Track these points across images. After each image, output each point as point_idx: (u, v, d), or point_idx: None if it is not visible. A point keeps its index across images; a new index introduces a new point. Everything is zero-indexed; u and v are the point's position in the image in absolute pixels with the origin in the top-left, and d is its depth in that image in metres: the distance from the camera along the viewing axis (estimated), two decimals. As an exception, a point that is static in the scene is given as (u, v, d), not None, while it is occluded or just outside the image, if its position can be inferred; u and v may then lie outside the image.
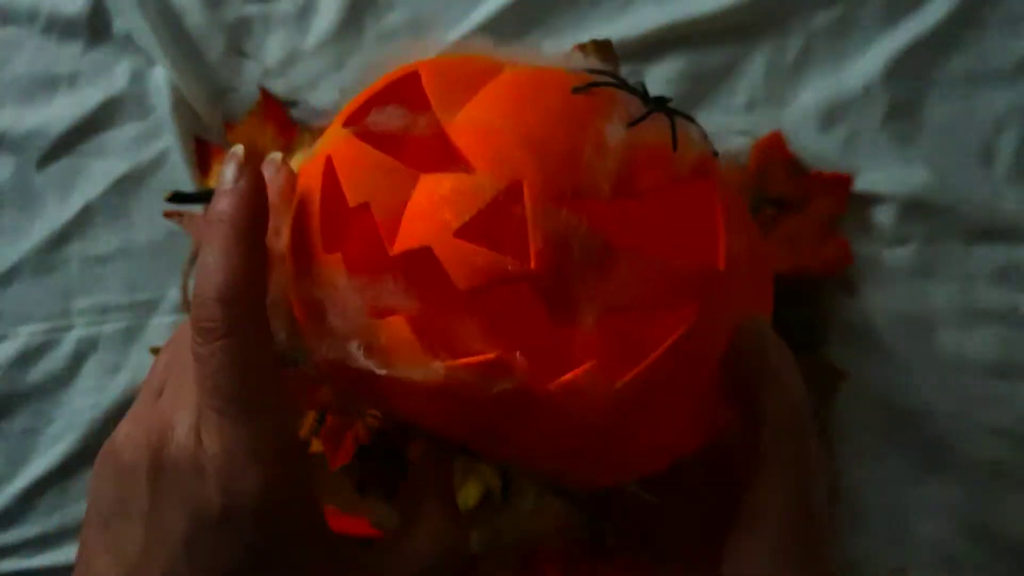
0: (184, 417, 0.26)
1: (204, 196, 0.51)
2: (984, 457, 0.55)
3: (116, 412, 0.58)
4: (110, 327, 0.59)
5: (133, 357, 0.59)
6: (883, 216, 0.56)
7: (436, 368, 0.25)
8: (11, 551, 0.59)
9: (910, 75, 0.57)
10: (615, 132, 0.26)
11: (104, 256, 0.59)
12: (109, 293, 0.59)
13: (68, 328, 0.59)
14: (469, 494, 0.52)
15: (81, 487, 0.58)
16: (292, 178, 0.30)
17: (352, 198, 0.27)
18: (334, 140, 0.28)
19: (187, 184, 0.59)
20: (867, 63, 0.57)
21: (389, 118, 0.27)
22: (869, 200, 0.56)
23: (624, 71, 0.58)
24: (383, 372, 0.25)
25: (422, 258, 0.25)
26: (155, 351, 0.58)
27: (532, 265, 0.24)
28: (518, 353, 0.24)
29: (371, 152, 0.27)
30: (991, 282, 0.56)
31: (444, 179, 0.26)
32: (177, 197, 0.46)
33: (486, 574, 0.54)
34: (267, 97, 0.59)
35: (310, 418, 0.56)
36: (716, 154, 0.30)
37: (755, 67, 0.58)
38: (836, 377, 0.55)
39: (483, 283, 0.24)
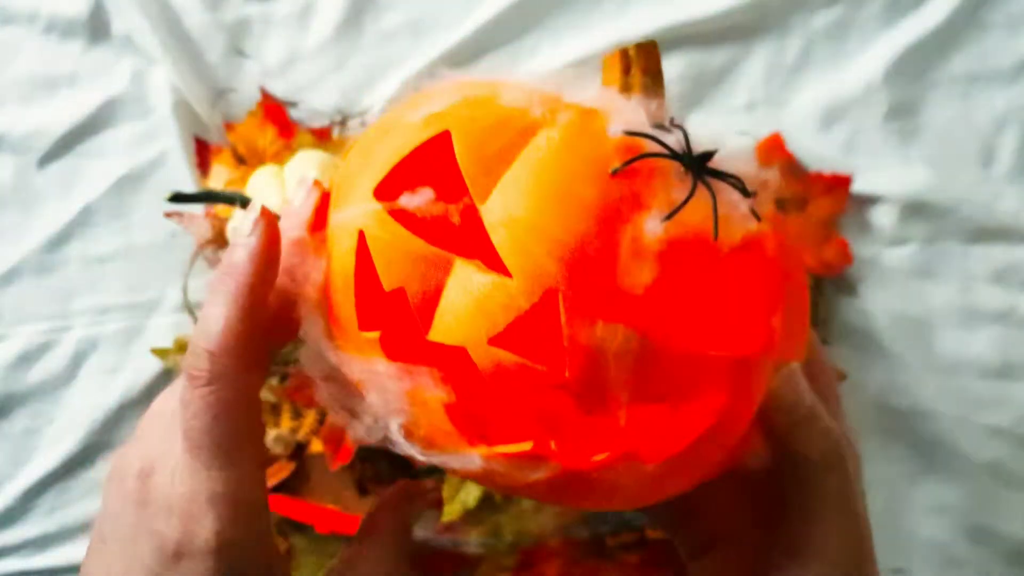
0: (170, 454, 0.28)
1: (204, 196, 0.51)
2: (983, 457, 0.55)
3: (116, 412, 0.58)
4: (110, 327, 0.59)
5: (133, 357, 0.59)
6: (883, 216, 0.56)
7: (473, 457, 0.26)
8: (11, 551, 0.59)
9: (910, 76, 0.57)
10: (653, 228, 0.25)
11: (104, 256, 0.59)
12: (109, 293, 0.59)
13: (68, 328, 0.59)
14: (469, 494, 0.52)
15: (81, 487, 0.58)
16: (326, 199, 0.30)
17: (387, 282, 0.26)
18: (366, 214, 0.27)
19: (187, 184, 0.59)
20: (867, 64, 0.57)
21: (422, 203, 0.26)
22: (869, 200, 0.56)
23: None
24: (423, 459, 0.27)
25: (457, 351, 0.25)
26: (155, 352, 0.58)
27: (567, 376, 0.24)
28: (553, 443, 0.25)
29: (405, 236, 0.26)
30: (990, 282, 0.56)
31: (478, 277, 0.25)
32: (177, 197, 0.45)
33: (486, 574, 0.54)
34: (267, 97, 0.59)
35: (310, 418, 0.56)
36: (778, 203, 0.30)
37: (755, 68, 0.58)
38: (835, 377, 0.55)
39: (518, 389, 0.25)
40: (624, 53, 0.28)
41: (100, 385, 0.58)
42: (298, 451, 0.56)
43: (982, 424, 0.55)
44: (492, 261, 0.25)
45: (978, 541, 0.55)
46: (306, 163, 0.50)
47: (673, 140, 0.26)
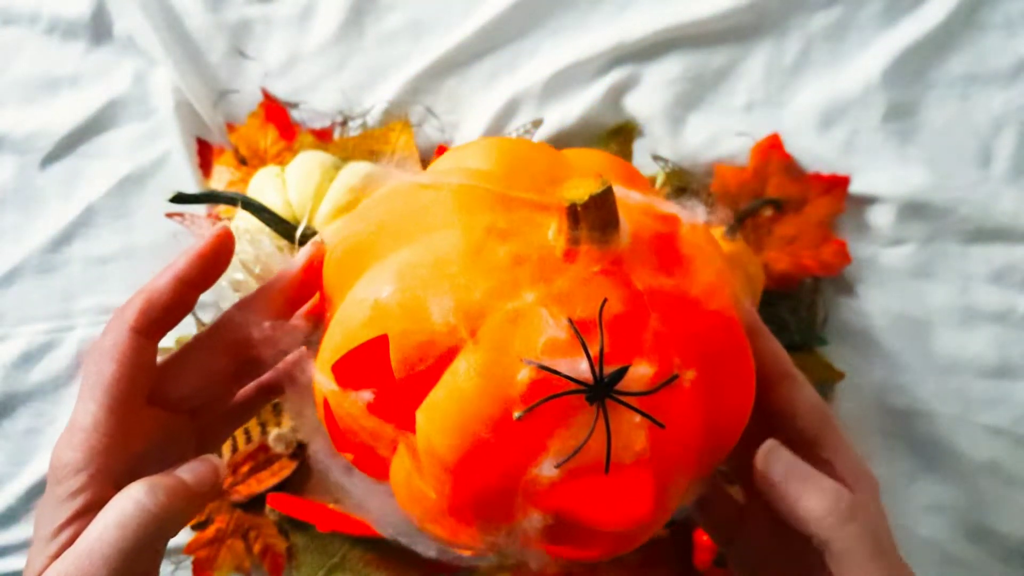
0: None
1: (206, 197, 0.51)
2: (981, 456, 0.55)
3: (118, 412, 0.58)
4: (112, 327, 0.59)
5: (135, 357, 0.59)
6: (881, 217, 0.56)
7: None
8: (13, 550, 0.59)
9: (908, 77, 0.57)
10: (548, 471, 0.27)
11: (106, 256, 0.60)
12: (111, 293, 0.59)
13: (70, 328, 0.59)
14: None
15: (83, 486, 0.59)
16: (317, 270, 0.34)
17: (339, 447, 0.32)
18: (328, 388, 0.31)
19: (189, 185, 0.59)
20: (865, 64, 0.57)
21: (368, 399, 0.30)
22: (867, 201, 0.56)
23: (623, 73, 0.58)
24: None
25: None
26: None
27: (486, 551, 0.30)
28: None
29: (357, 415, 0.30)
30: (988, 282, 0.56)
31: (408, 466, 0.30)
32: (179, 198, 0.46)
33: (487, 574, 0.54)
34: (268, 98, 0.60)
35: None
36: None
37: (754, 69, 0.58)
38: (834, 377, 0.55)
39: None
40: (572, 209, 0.28)
41: (102, 385, 0.59)
42: (299, 450, 0.56)
43: (980, 424, 0.55)
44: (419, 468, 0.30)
45: (976, 540, 0.55)
46: (307, 164, 0.50)
47: (595, 349, 0.27)
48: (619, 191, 0.30)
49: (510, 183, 0.30)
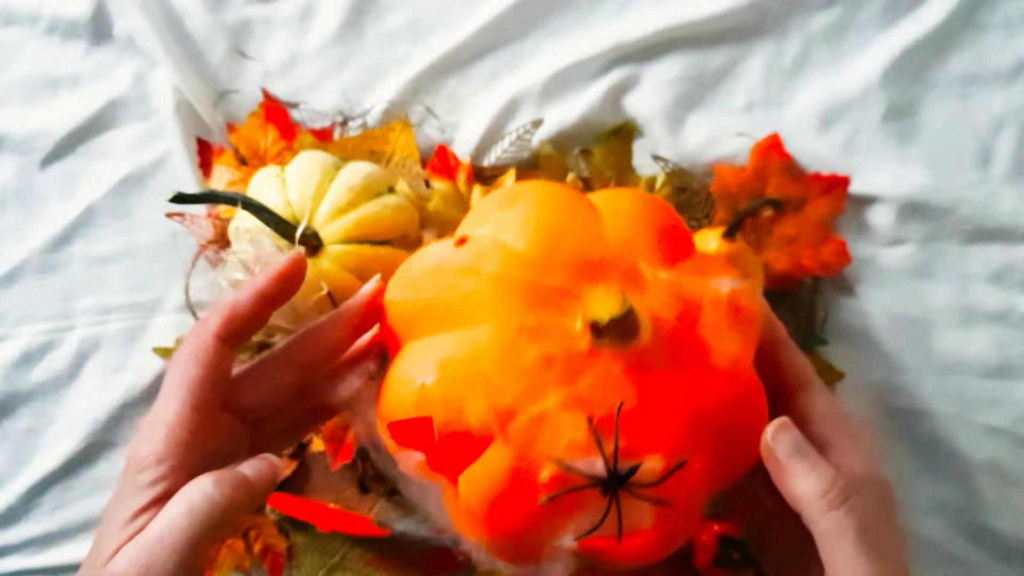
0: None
1: (206, 197, 0.51)
2: (981, 456, 0.55)
3: (118, 411, 0.58)
4: (112, 327, 0.59)
5: (135, 357, 0.59)
6: (881, 217, 0.56)
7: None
8: (14, 549, 0.59)
9: (908, 77, 0.57)
10: (568, 543, 0.33)
11: (106, 256, 0.60)
12: (111, 293, 0.60)
13: (70, 328, 0.60)
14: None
15: (84, 486, 0.59)
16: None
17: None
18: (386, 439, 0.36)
19: (189, 185, 0.59)
20: (865, 65, 0.57)
21: (419, 461, 0.35)
22: (867, 201, 0.56)
23: (623, 73, 0.58)
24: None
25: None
26: (157, 351, 0.58)
27: None
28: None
29: (410, 465, 0.35)
30: (988, 282, 0.56)
31: (455, 502, 0.35)
32: (179, 198, 0.46)
33: (486, 573, 0.54)
34: (269, 99, 0.60)
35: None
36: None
37: (754, 69, 0.58)
38: (834, 376, 0.55)
39: None
40: (595, 326, 0.31)
41: (102, 384, 0.59)
42: (300, 450, 0.56)
43: (980, 423, 0.55)
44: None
45: (976, 539, 0.55)
46: (307, 164, 0.50)
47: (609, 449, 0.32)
48: (647, 271, 0.34)
49: (543, 269, 0.34)
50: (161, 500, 0.31)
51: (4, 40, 0.62)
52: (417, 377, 0.34)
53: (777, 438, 0.33)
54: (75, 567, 0.58)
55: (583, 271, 0.34)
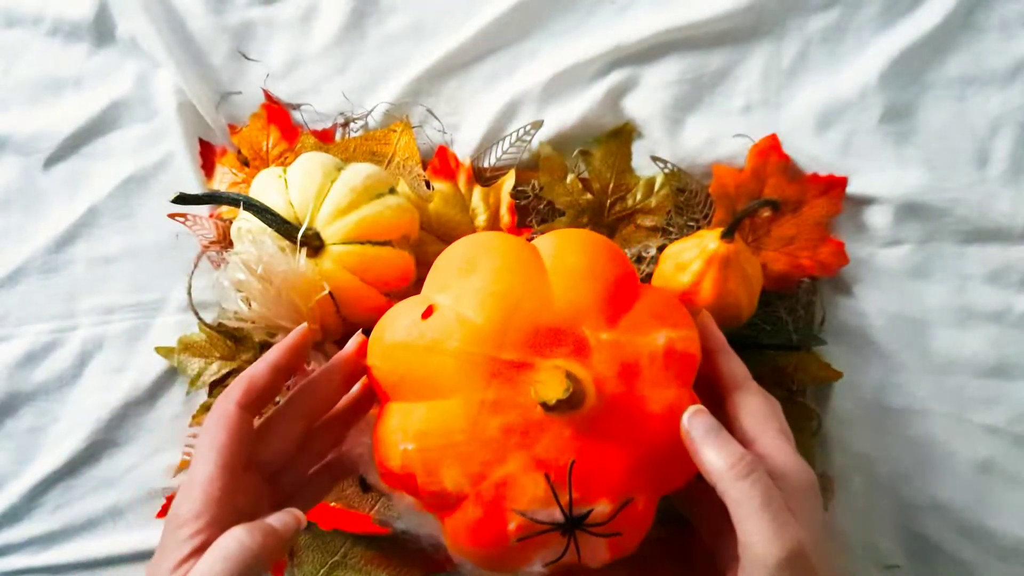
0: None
1: (208, 198, 0.52)
2: (978, 455, 0.55)
3: (121, 411, 0.59)
4: (115, 327, 0.59)
5: (138, 357, 0.59)
6: (878, 217, 0.56)
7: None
8: (17, 548, 0.59)
9: (905, 78, 0.57)
10: (537, 568, 0.40)
11: (109, 257, 0.60)
12: (114, 293, 0.60)
13: (74, 328, 0.60)
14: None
15: (86, 485, 0.59)
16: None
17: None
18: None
19: (191, 186, 0.59)
20: (862, 66, 0.57)
21: (410, 504, 0.44)
22: (865, 202, 0.57)
23: (622, 75, 0.58)
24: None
25: None
26: (160, 351, 0.58)
27: None
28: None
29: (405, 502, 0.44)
30: (985, 282, 0.56)
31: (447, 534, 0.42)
32: (182, 199, 0.46)
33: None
34: (271, 100, 0.60)
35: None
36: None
37: (752, 70, 0.58)
38: (832, 376, 0.55)
39: None
40: (545, 405, 0.37)
41: (105, 384, 0.59)
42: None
43: (977, 423, 0.56)
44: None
45: (972, 539, 0.55)
46: (309, 165, 0.51)
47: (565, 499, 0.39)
48: (591, 336, 0.39)
49: (499, 343, 0.39)
50: (199, 551, 0.36)
51: (7, 41, 0.62)
52: (399, 442, 0.40)
53: (692, 422, 0.38)
54: (77, 566, 0.58)
55: (535, 342, 0.39)
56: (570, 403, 0.37)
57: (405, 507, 0.43)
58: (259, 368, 0.41)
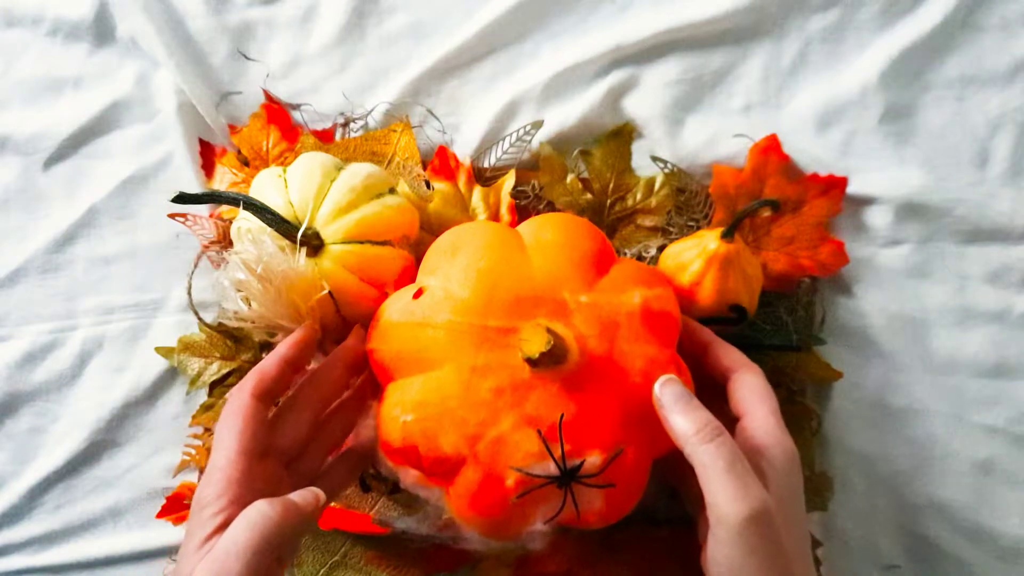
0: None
1: (208, 198, 0.52)
2: (978, 455, 0.55)
3: (121, 410, 0.59)
4: (115, 327, 0.60)
5: (138, 357, 0.59)
6: (878, 217, 0.56)
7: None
8: (17, 548, 0.59)
9: (905, 78, 0.58)
10: (539, 526, 0.42)
11: (109, 256, 0.60)
12: (114, 293, 0.60)
13: (73, 328, 0.60)
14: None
15: (86, 485, 0.59)
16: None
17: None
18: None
19: (191, 185, 0.59)
20: (863, 66, 0.58)
21: (415, 478, 0.45)
22: (864, 202, 0.57)
23: (622, 75, 0.58)
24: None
25: None
26: (160, 351, 0.58)
27: None
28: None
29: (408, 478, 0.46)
30: (985, 282, 0.56)
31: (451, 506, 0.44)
32: (182, 198, 0.46)
33: (487, 570, 0.54)
34: (270, 100, 0.60)
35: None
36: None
37: (752, 70, 0.58)
38: (832, 376, 0.55)
39: None
40: (529, 360, 0.39)
41: (105, 384, 0.59)
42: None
43: (977, 423, 0.56)
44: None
45: (972, 539, 0.55)
46: (309, 165, 0.51)
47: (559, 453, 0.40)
48: (570, 299, 0.42)
49: (485, 312, 0.42)
50: (223, 528, 0.38)
51: (7, 42, 0.62)
52: (399, 416, 0.42)
53: (663, 390, 0.40)
54: (77, 566, 0.58)
55: (518, 309, 0.42)
56: (553, 356, 0.39)
57: (412, 482, 0.44)
58: (269, 361, 0.44)
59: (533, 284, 0.42)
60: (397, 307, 0.45)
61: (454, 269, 0.44)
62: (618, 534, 0.53)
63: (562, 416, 0.40)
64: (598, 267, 0.44)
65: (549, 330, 0.39)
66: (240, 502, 0.38)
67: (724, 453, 0.37)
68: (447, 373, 0.41)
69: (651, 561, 0.53)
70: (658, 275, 0.46)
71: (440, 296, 0.43)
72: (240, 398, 0.42)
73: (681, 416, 0.39)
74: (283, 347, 0.45)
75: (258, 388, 0.42)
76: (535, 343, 0.39)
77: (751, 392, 0.43)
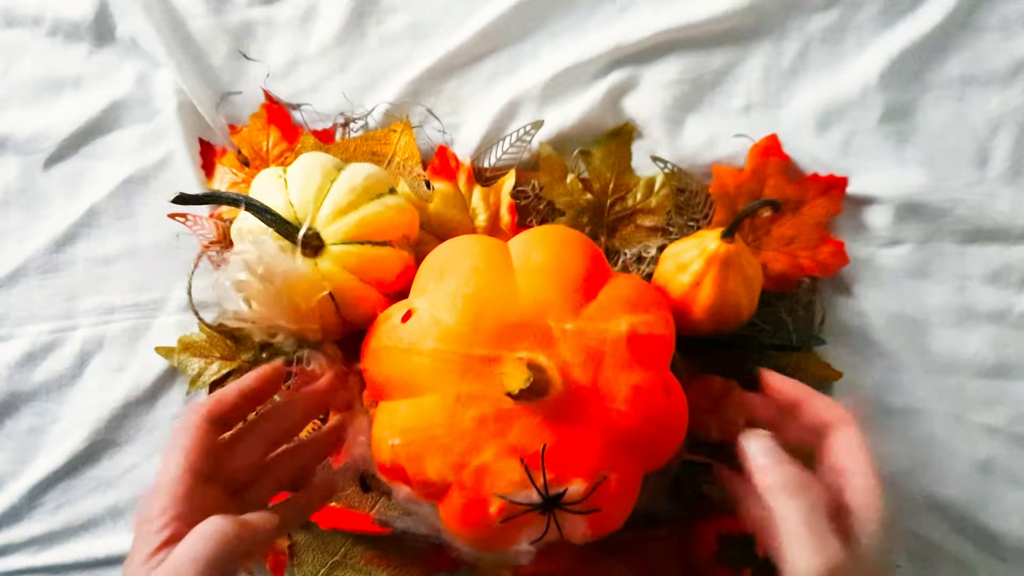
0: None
1: (208, 198, 0.51)
2: (978, 455, 0.55)
3: (121, 410, 0.59)
4: (115, 327, 0.60)
5: (138, 357, 0.59)
6: (878, 217, 0.57)
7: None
8: (17, 548, 0.59)
9: (905, 78, 0.58)
10: (524, 547, 0.43)
11: (109, 257, 0.60)
12: (114, 293, 0.60)
13: (73, 328, 0.60)
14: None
15: (86, 485, 0.59)
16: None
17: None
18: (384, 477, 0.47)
19: (191, 186, 0.59)
20: (863, 66, 0.58)
21: (408, 494, 0.46)
22: (864, 202, 0.57)
23: (622, 75, 0.58)
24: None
25: None
26: (160, 351, 0.58)
27: None
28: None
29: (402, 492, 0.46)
30: (985, 282, 0.56)
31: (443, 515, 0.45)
32: (182, 199, 0.46)
33: (486, 571, 0.54)
34: (271, 100, 0.60)
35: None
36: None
37: (752, 71, 0.58)
38: (832, 376, 0.55)
39: None
40: (510, 395, 0.39)
41: (105, 384, 0.59)
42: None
43: (976, 423, 0.56)
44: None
45: (973, 539, 0.55)
46: (309, 165, 0.51)
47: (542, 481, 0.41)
48: (555, 327, 0.42)
49: (470, 341, 0.42)
50: (169, 543, 0.38)
51: (7, 42, 0.62)
52: (387, 438, 0.43)
53: (749, 444, 0.42)
54: (77, 565, 0.58)
55: (503, 337, 0.42)
56: (534, 391, 0.39)
57: (404, 497, 0.45)
58: (229, 389, 0.44)
59: (519, 311, 0.43)
60: (385, 329, 0.46)
61: (441, 294, 0.44)
62: (618, 534, 0.53)
63: (544, 446, 0.40)
64: (587, 290, 0.44)
65: (530, 365, 0.40)
66: (184, 519, 0.38)
67: (804, 507, 0.38)
68: (432, 401, 0.42)
69: (651, 561, 0.53)
70: (650, 294, 0.46)
71: (427, 321, 0.43)
72: (192, 419, 0.42)
73: (766, 471, 0.40)
74: (246, 378, 0.45)
75: (213, 412, 0.42)
76: (516, 378, 0.39)
77: (850, 450, 0.42)
